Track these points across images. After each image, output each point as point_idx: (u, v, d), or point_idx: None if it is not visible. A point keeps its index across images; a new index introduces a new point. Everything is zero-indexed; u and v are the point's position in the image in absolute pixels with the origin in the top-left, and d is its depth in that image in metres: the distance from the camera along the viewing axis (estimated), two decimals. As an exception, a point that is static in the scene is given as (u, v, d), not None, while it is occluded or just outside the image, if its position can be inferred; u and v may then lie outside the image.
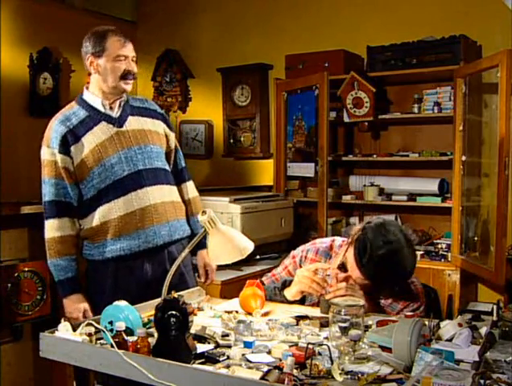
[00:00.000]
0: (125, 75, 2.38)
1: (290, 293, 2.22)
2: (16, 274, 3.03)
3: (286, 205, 3.95)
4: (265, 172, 4.59)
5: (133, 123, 2.43)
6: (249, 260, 3.42)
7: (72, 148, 2.33)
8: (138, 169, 2.38)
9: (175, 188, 2.55)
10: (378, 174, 4.15)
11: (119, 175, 2.36)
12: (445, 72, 3.61)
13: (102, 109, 2.40)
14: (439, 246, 3.69)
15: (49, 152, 2.35)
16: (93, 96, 2.42)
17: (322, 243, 2.40)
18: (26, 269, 3.07)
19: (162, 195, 2.44)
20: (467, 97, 3.46)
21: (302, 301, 2.24)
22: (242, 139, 4.78)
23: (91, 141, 2.34)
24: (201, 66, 4.99)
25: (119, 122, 2.40)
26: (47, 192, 2.36)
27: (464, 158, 3.48)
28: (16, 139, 4.31)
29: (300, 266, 2.32)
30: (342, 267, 2.12)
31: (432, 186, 3.82)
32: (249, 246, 1.92)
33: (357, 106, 3.91)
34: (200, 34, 4.97)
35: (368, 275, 2.06)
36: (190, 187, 2.65)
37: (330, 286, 2.16)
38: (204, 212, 1.84)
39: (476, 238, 3.50)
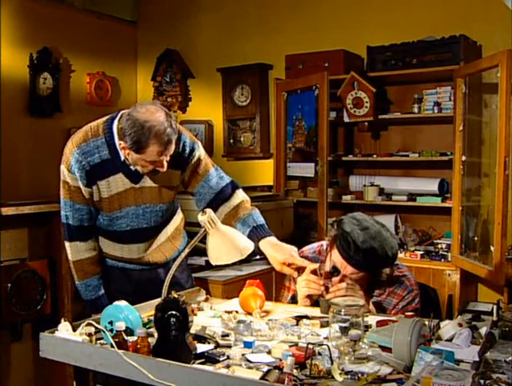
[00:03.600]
0: (153, 171, 2.24)
1: (300, 302, 2.24)
2: (16, 274, 3.03)
3: (286, 205, 3.95)
4: (265, 172, 4.58)
5: (147, 180, 2.33)
6: (249, 260, 3.42)
7: (94, 187, 2.29)
8: (142, 227, 2.38)
9: (173, 219, 2.53)
10: (378, 174, 4.15)
11: (122, 228, 2.36)
12: (445, 72, 3.61)
13: (123, 157, 2.26)
14: (439, 246, 3.69)
15: (72, 177, 2.27)
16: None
17: (309, 249, 2.44)
18: (26, 269, 3.07)
19: (160, 241, 2.47)
20: (467, 97, 3.46)
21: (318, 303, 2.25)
22: (242, 139, 4.79)
23: (105, 190, 2.30)
24: (201, 66, 4.99)
25: (135, 178, 2.31)
26: (71, 216, 2.33)
27: (464, 158, 3.48)
28: (16, 139, 4.31)
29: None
30: (334, 271, 2.15)
31: (432, 186, 3.82)
32: (249, 246, 1.92)
33: (357, 106, 3.91)
34: (200, 34, 4.97)
35: (360, 265, 2.09)
36: (234, 198, 2.42)
37: (331, 285, 2.18)
38: (204, 212, 1.84)
39: (476, 238, 3.50)
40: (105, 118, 2.31)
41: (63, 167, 2.30)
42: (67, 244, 2.38)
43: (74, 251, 2.37)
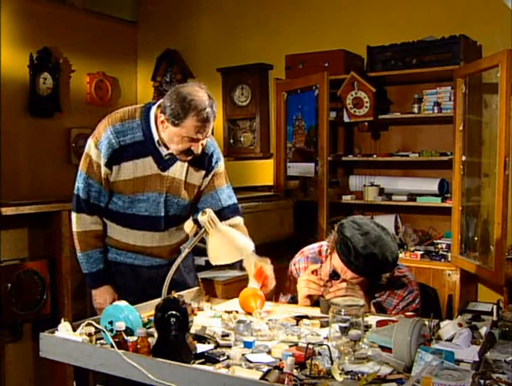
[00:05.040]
0: (187, 152, 2.27)
1: (300, 302, 2.25)
2: (16, 274, 3.03)
3: (286, 205, 3.95)
4: (265, 172, 4.58)
5: (176, 170, 2.37)
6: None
7: (114, 167, 2.32)
8: (159, 215, 2.38)
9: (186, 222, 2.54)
10: (378, 174, 4.15)
11: (140, 212, 2.37)
12: (445, 72, 3.61)
13: (156, 143, 2.31)
14: (439, 246, 3.70)
15: (96, 153, 2.31)
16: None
17: (310, 249, 2.44)
18: (26, 269, 3.07)
19: (171, 237, 2.47)
20: (467, 97, 3.46)
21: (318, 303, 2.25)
22: (242, 139, 4.79)
23: (131, 171, 2.32)
24: (201, 66, 4.99)
25: (164, 166, 2.34)
26: (83, 188, 2.36)
27: (464, 158, 3.48)
28: (16, 139, 4.31)
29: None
30: (334, 275, 2.15)
31: (432, 186, 3.82)
32: (249, 246, 1.92)
33: (357, 106, 3.91)
34: (200, 34, 4.97)
35: (360, 271, 2.09)
36: (233, 220, 2.49)
37: (331, 285, 2.18)
38: (204, 212, 1.85)
39: (476, 238, 3.50)
40: (143, 104, 2.37)
41: (91, 141, 2.34)
42: (73, 214, 2.40)
43: (80, 222, 2.39)
